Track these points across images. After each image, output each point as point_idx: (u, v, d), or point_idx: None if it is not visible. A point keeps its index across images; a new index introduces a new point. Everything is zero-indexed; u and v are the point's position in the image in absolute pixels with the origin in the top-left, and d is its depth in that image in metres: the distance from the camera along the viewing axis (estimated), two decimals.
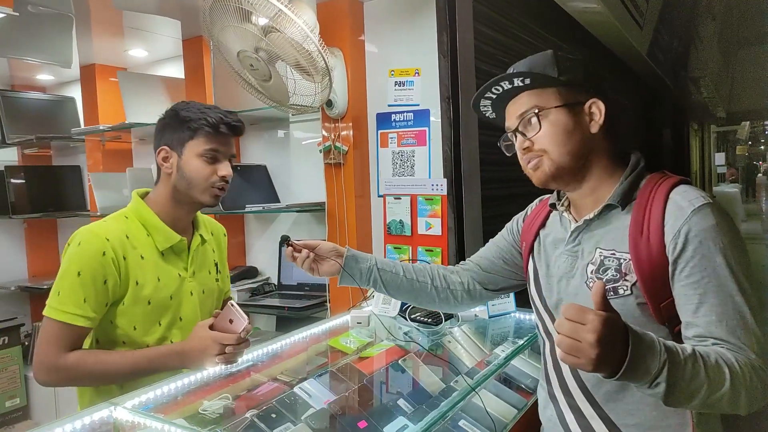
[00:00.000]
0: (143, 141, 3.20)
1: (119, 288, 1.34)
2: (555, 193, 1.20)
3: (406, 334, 1.84)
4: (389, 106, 2.19)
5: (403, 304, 1.88)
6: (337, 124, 2.22)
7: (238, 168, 2.71)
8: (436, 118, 2.11)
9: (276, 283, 2.67)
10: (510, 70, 1.10)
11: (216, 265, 1.59)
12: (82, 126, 3.31)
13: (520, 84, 1.05)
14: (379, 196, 2.23)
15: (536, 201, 1.34)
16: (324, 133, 2.26)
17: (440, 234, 2.05)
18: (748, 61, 9.49)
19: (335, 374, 1.56)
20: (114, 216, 1.42)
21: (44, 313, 1.29)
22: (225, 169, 1.42)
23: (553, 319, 1.15)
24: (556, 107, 1.05)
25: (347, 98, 2.19)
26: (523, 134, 1.08)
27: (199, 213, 1.56)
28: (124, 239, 1.36)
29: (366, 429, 1.27)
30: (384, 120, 2.21)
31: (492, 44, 2.47)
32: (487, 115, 1.18)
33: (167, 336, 1.42)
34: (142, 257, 1.38)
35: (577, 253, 1.09)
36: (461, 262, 1.45)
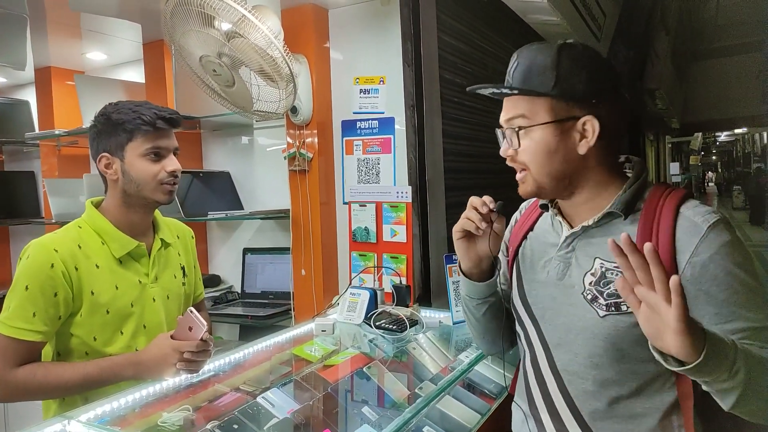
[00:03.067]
0: None
1: (73, 300, 1.31)
2: None
3: (371, 341, 1.84)
4: (354, 113, 2.20)
5: (367, 312, 1.88)
6: (301, 131, 2.21)
7: (201, 174, 2.67)
8: (401, 126, 2.12)
9: (239, 292, 2.63)
10: (513, 57, 1.02)
11: (183, 268, 1.56)
12: (37, 130, 3.20)
13: (508, 93, 0.99)
14: (345, 203, 2.22)
15: (524, 204, 1.25)
16: (288, 139, 2.25)
17: (405, 241, 2.06)
18: (700, 75, 9.91)
19: (299, 383, 1.54)
20: (67, 227, 1.39)
21: None
22: (172, 164, 1.41)
23: (537, 328, 1.07)
24: (542, 124, 0.96)
25: (312, 105, 2.18)
26: (509, 142, 1.01)
27: (159, 216, 1.53)
28: (76, 249, 1.33)
29: None
30: (349, 127, 2.22)
31: (455, 53, 2.50)
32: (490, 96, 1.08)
33: (132, 345, 1.39)
34: (97, 266, 1.35)
35: (570, 260, 1.03)
36: None
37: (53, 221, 2.82)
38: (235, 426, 1.26)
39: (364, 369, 1.64)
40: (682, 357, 0.77)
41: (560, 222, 1.07)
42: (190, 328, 1.30)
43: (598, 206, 1.00)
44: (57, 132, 2.88)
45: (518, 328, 1.15)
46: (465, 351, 1.76)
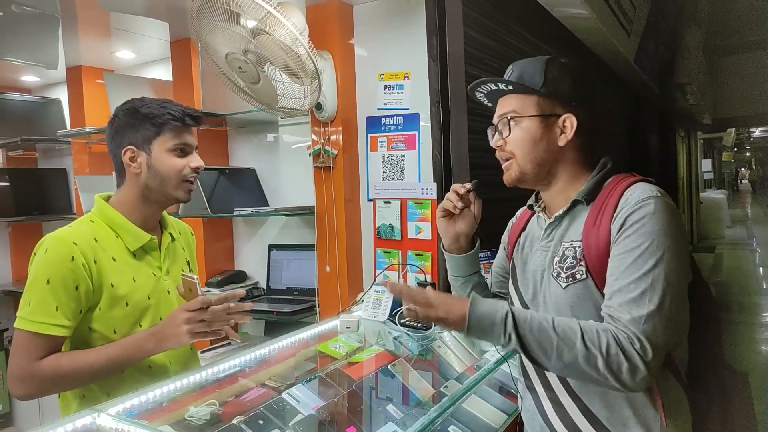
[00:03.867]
0: None
1: (93, 292, 1.30)
2: (533, 195, 1.28)
3: (395, 339, 1.83)
4: (379, 109, 2.18)
5: (392, 309, 1.87)
6: (326, 128, 2.21)
7: (227, 171, 2.69)
8: (425, 123, 2.10)
9: (265, 288, 2.65)
10: (509, 69, 1.19)
11: (188, 263, 1.58)
12: (68, 128, 3.27)
13: (505, 89, 1.16)
14: (369, 199, 2.22)
15: (519, 211, 1.39)
16: (313, 136, 2.25)
17: (430, 238, 2.04)
18: (732, 69, 9.63)
19: (324, 379, 1.55)
20: (79, 221, 1.39)
21: (15, 325, 1.25)
22: (196, 160, 1.42)
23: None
24: (530, 116, 1.13)
25: (336, 101, 2.18)
26: (500, 133, 1.18)
27: (165, 213, 1.53)
28: (93, 242, 1.32)
29: None
30: (374, 123, 2.21)
31: (481, 48, 2.47)
32: (484, 102, 1.25)
33: None
34: (114, 259, 1.35)
35: (549, 247, 1.17)
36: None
37: None
38: (261, 421, 1.27)
39: (389, 367, 1.63)
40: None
41: (543, 217, 1.22)
42: (191, 290, 1.34)
43: (570, 197, 1.15)
44: (88, 129, 2.94)
45: None
46: (491, 350, 1.73)
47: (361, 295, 2.01)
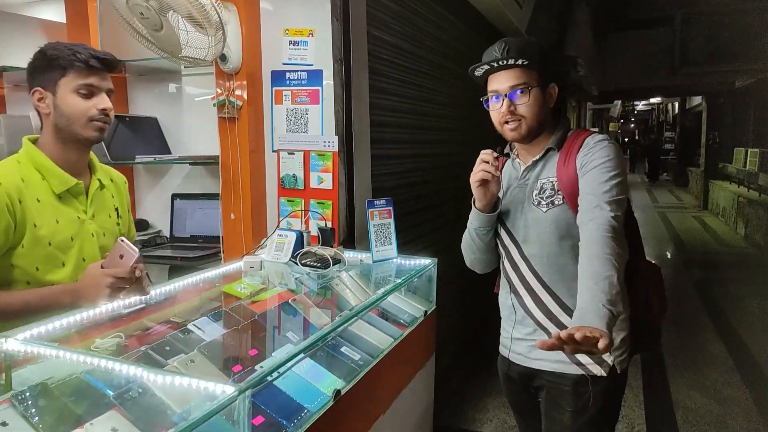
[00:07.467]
0: (18, 87, 2.98)
1: (14, 231, 1.36)
2: (508, 145, 1.61)
3: (297, 279, 1.98)
4: (284, 64, 2.26)
5: (294, 250, 2.01)
6: (231, 80, 2.26)
7: (127, 119, 2.65)
8: (329, 80, 2.21)
9: (168, 236, 2.68)
10: (500, 44, 1.45)
11: (117, 210, 1.64)
12: None
13: (519, 63, 1.43)
14: (273, 151, 2.31)
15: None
16: (218, 88, 2.29)
17: (331, 188, 2.19)
18: (618, 45, 10.46)
19: (228, 314, 1.66)
20: (6, 161, 1.43)
21: None
22: (103, 102, 1.45)
23: (509, 233, 1.56)
24: (537, 86, 1.45)
25: (241, 54, 2.22)
26: (511, 99, 1.45)
27: (96, 159, 1.59)
28: (20, 182, 1.38)
29: (257, 355, 1.42)
30: (278, 78, 2.28)
31: (384, 11, 2.60)
32: (476, 74, 1.51)
33: (74, 277, 1.45)
34: (38, 200, 1.40)
35: (526, 184, 1.53)
36: None
37: None
38: (167, 348, 1.37)
39: (290, 301, 1.79)
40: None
41: (519, 162, 1.58)
42: (122, 256, 1.39)
43: (542, 146, 1.52)
44: None
45: (496, 238, 1.62)
46: (383, 287, 1.94)
47: (265, 240, 2.13)
